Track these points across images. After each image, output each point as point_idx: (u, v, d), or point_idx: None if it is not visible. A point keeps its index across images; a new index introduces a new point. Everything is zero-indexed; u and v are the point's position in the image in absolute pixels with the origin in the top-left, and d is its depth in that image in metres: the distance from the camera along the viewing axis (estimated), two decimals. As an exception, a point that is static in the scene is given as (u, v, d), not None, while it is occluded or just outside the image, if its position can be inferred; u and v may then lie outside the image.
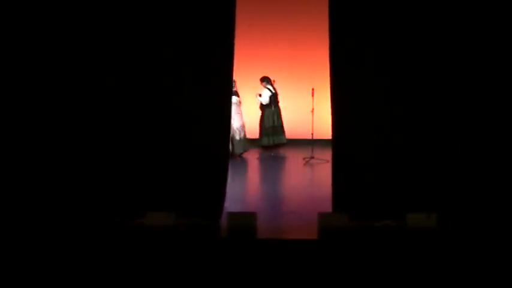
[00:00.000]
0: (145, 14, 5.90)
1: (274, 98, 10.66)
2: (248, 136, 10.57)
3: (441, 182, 5.87)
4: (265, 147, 10.78)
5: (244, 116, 10.50)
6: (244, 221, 5.71)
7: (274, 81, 10.66)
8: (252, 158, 10.43)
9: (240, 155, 10.36)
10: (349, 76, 5.89)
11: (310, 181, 8.70)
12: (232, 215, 5.76)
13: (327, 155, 7.77)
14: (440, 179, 5.87)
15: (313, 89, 9.87)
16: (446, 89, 5.85)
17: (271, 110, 10.64)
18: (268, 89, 10.59)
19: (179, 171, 5.98)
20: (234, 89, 9.38)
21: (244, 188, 8.20)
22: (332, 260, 5.04)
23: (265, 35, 11.65)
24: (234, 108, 8.39)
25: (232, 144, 9.71)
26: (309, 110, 9.92)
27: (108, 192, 5.94)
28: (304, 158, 9.81)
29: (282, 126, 10.83)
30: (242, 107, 10.41)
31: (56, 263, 4.94)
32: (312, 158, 9.66)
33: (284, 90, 11.05)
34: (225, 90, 6.09)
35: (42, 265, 4.90)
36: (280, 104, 10.81)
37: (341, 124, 5.91)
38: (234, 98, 8.64)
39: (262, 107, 10.69)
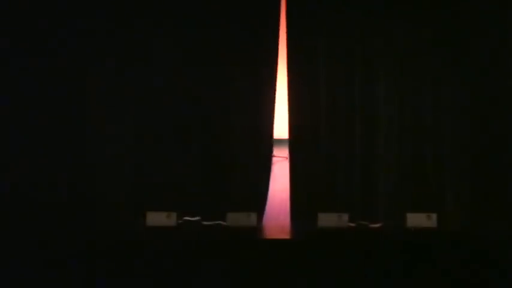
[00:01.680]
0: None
1: None
2: None
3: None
4: None
5: None
6: (244, 221, 5.72)
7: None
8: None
9: None
10: (304, 74, 6.02)
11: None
12: (232, 215, 5.77)
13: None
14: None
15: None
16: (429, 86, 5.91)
17: None
18: None
19: (223, 169, 5.97)
20: None
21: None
22: (331, 260, 5.04)
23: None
24: None
25: None
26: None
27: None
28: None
29: None
30: None
31: (56, 263, 4.96)
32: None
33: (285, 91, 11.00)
34: (271, 83, 6.08)
35: (42, 265, 4.92)
36: (281, 105, 10.74)
37: (296, 127, 5.99)
38: None
39: None
